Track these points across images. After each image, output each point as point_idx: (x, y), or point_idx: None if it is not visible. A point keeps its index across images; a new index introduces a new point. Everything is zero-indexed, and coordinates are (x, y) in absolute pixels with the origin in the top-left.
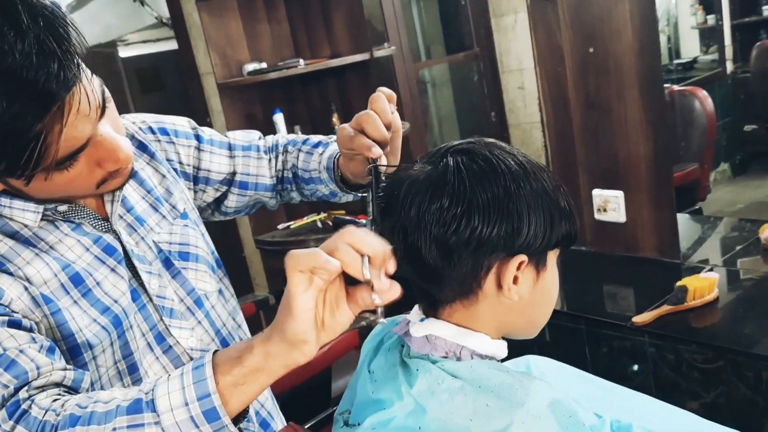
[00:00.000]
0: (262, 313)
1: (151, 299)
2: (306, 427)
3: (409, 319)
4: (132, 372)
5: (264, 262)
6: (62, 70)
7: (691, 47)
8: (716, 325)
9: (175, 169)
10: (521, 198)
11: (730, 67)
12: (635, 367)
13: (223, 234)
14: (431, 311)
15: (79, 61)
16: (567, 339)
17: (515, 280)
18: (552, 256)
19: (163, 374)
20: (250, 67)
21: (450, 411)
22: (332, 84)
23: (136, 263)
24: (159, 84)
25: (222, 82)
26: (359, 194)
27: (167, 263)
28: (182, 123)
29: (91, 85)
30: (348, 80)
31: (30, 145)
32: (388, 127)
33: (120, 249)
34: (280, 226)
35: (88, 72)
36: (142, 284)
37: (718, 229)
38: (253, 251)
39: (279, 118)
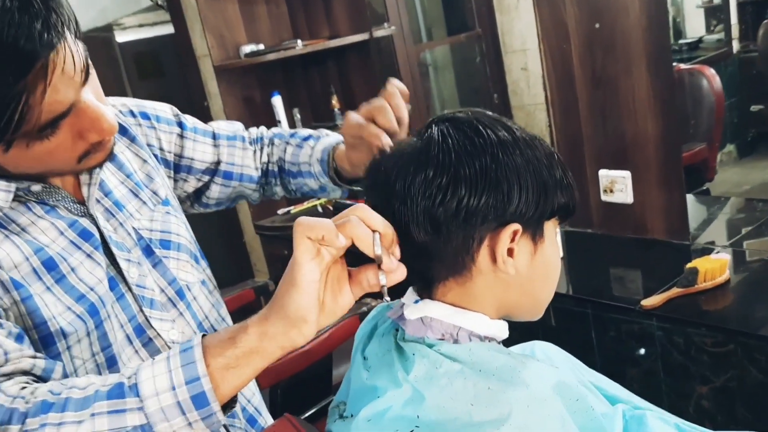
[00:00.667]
0: (263, 299)
1: (130, 288)
2: (304, 417)
3: (404, 301)
4: (111, 365)
5: (264, 248)
6: (46, 27)
7: (696, 26)
8: (728, 307)
9: (155, 156)
10: (510, 166)
11: (736, 46)
12: (642, 351)
13: (223, 220)
14: (425, 292)
15: (64, 20)
16: (573, 323)
17: (510, 252)
18: (550, 228)
19: None
20: (248, 48)
21: (450, 396)
22: (332, 66)
23: (114, 250)
24: (157, 69)
25: (219, 64)
26: (353, 188)
27: (147, 251)
28: (164, 109)
29: (76, 46)
30: (348, 62)
31: (11, 105)
32: (399, 123)
33: (97, 234)
34: (280, 212)
35: (73, 33)
36: (120, 273)
37: (727, 210)
38: (253, 237)
39: (277, 101)
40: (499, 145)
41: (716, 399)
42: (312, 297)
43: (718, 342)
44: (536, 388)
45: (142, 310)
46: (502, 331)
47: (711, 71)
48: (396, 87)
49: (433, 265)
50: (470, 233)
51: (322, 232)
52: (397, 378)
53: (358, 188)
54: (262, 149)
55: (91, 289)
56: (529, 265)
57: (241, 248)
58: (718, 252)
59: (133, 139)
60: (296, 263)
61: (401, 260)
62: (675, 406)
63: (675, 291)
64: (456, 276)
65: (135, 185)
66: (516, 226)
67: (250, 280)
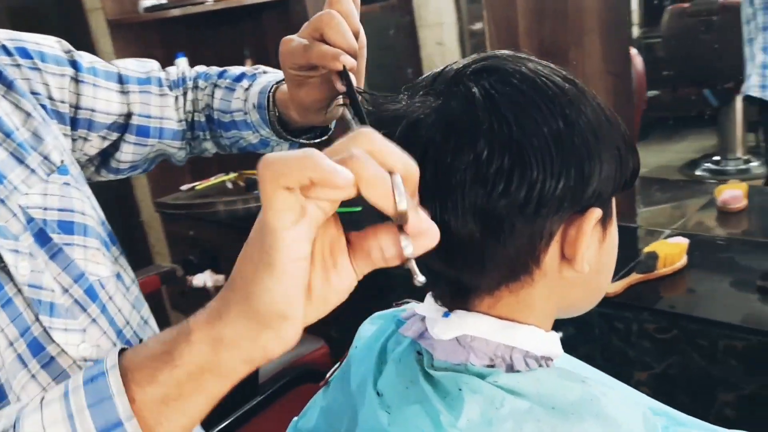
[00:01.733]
0: (165, 288)
1: (20, 291)
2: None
3: (423, 314)
4: None
5: (165, 228)
6: None
7: None
8: (685, 293)
9: (43, 106)
10: (586, 129)
11: (636, 32)
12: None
13: (115, 195)
14: (459, 302)
15: None
16: None
17: None
18: (614, 204)
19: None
20: (148, 2)
21: None
22: (247, 27)
23: None
24: (38, 26)
25: (113, 18)
26: (303, 141)
27: (42, 237)
28: (50, 44)
29: None
30: (264, 23)
31: None
32: (354, 36)
33: None
34: (183, 188)
35: None
36: (5, 269)
37: (667, 192)
38: (151, 216)
39: (183, 63)
40: (567, 101)
41: (658, 385)
42: (298, 283)
43: (661, 328)
44: (629, 426)
45: (38, 320)
46: (557, 345)
47: (633, 50)
48: None
49: (482, 270)
50: (539, 228)
51: (307, 172)
52: (439, 423)
53: (316, 139)
54: (185, 95)
55: None
56: (597, 255)
57: (138, 228)
58: (668, 235)
59: (9, 85)
60: (270, 231)
61: (431, 260)
62: None
63: (635, 277)
64: (511, 283)
65: (18, 147)
66: (598, 212)
67: (153, 265)
